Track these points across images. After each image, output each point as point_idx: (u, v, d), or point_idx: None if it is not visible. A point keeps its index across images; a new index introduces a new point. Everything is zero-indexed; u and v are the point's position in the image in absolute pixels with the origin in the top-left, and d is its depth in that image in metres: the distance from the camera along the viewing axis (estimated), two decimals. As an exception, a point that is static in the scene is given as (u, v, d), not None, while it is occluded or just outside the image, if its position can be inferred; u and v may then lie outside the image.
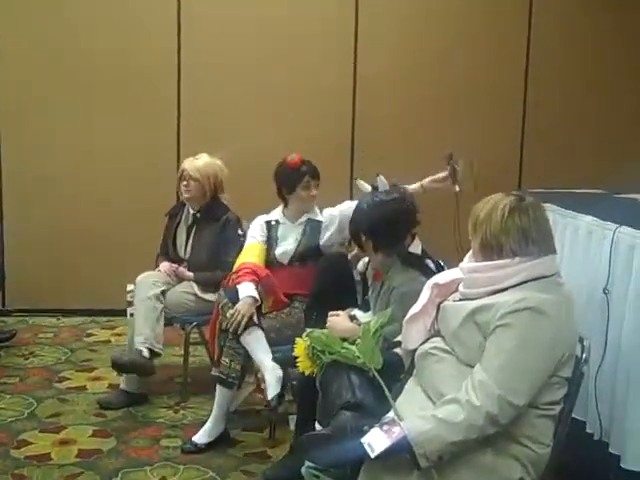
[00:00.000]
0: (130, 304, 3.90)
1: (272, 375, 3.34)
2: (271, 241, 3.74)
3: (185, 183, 4.07)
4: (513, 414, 2.13)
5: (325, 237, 3.70)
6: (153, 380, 4.00)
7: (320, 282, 3.49)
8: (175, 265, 4.08)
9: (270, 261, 3.71)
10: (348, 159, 5.51)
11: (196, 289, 4.02)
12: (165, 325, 3.92)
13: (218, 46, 5.31)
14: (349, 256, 3.55)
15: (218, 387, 3.46)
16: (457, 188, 3.52)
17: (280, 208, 3.82)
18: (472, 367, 2.22)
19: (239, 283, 3.51)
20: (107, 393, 4.04)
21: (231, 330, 3.41)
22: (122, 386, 3.95)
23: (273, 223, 3.78)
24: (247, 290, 3.47)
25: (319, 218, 3.75)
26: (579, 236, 2.98)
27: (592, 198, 3.52)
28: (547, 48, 5.50)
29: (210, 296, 3.96)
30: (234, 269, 3.64)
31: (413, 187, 3.55)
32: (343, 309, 3.01)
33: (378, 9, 5.36)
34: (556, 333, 2.18)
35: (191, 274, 4.05)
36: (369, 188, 3.43)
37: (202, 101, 5.35)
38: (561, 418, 2.27)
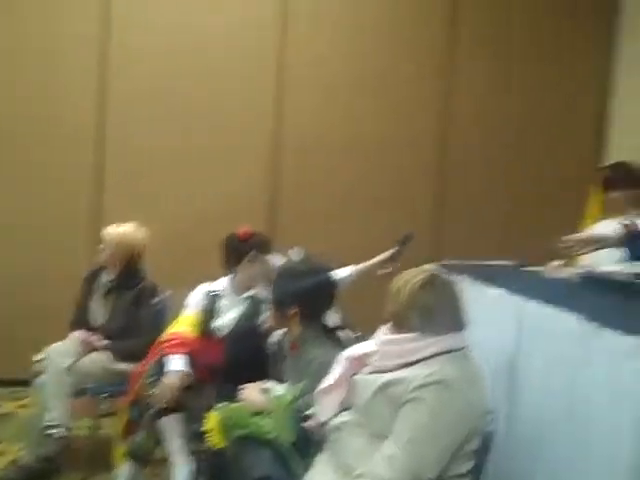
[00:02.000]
0: (38, 375, 3.77)
1: (181, 471, 3.31)
2: (211, 312, 3.65)
3: (104, 249, 4.03)
4: None
5: (264, 317, 3.57)
6: (60, 453, 3.85)
7: (231, 354, 3.46)
8: (88, 333, 3.99)
9: (207, 332, 3.62)
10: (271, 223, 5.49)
11: (109, 358, 3.92)
12: (76, 396, 3.80)
13: (144, 112, 5.23)
14: (260, 321, 3.54)
15: (128, 462, 3.36)
16: (390, 269, 3.58)
17: (226, 279, 3.75)
18: (383, 440, 2.23)
19: (167, 355, 3.44)
20: (8, 469, 3.85)
21: (157, 406, 3.35)
22: (25, 460, 3.78)
23: (216, 294, 3.70)
24: (176, 364, 3.41)
25: (263, 296, 3.64)
26: (488, 308, 3.06)
27: (502, 270, 3.64)
28: (461, 124, 5.63)
29: (124, 366, 3.87)
30: (164, 338, 3.57)
31: (345, 274, 3.58)
32: (255, 381, 2.99)
33: (301, 76, 5.40)
34: (464, 407, 2.23)
35: (105, 343, 3.96)
36: (281, 261, 3.42)
37: (127, 165, 5.23)
38: (468, 491, 2.29)
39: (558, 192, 5.52)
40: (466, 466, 2.28)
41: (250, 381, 2.98)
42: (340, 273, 3.50)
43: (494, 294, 3.07)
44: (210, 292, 3.70)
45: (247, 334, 3.53)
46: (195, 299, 3.70)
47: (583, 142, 5.72)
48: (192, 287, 3.79)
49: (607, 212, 3.89)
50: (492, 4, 5.58)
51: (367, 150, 5.48)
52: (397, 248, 3.56)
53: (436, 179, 5.61)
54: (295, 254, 3.39)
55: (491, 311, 3.03)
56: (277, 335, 3.33)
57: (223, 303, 3.66)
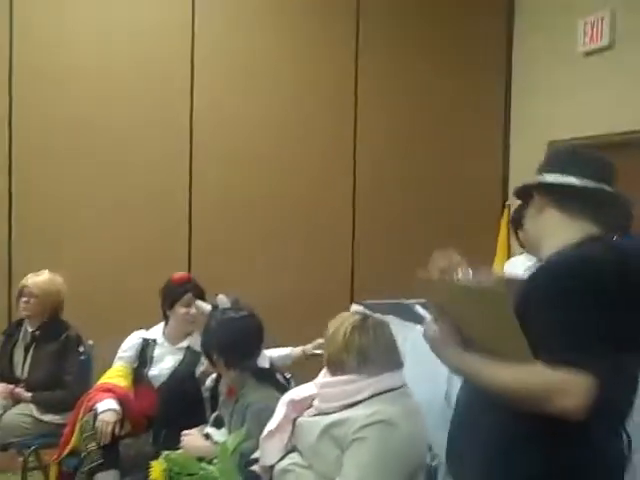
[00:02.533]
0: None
1: None
2: (145, 360, 3.62)
3: (25, 299, 3.95)
4: None
5: (202, 368, 3.54)
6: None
7: (166, 401, 3.47)
8: (11, 386, 3.90)
9: (140, 381, 3.59)
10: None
11: (34, 410, 3.84)
12: (1, 450, 3.71)
13: (53, 152, 5.06)
14: (197, 373, 3.55)
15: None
16: None
17: (160, 326, 3.72)
18: (331, 481, 2.31)
19: (96, 402, 3.42)
20: None
21: (102, 441, 3.32)
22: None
23: (150, 342, 3.67)
24: (107, 404, 3.39)
25: (198, 347, 3.42)
26: (418, 346, 3.17)
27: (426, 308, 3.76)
28: (368, 163, 5.66)
29: (49, 417, 3.83)
30: (94, 388, 3.54)
31: (282, 354, 3.61)
32: (191, 427, 3.01)
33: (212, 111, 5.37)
34: (408, 443, 2.34)
35: (29, 395, 3.88)
36: (209, 308, 3.38)
37: (34, 211, 5.04)
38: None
39: (469, 224, 5.52)
40: (414, 501, 2.37)
41: (186, 428, 3.00)
42: (278, 352, 3.56)
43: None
44: (144, 340, 3.69)
45: (183, 381, 3.53)
46: (128, 346, 3.68)
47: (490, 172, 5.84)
48: (113, 337, 3.74)
49: (520, 247, 4.08)
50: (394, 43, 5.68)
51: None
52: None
53: (348, 215, 5.65)
54: (221, 302, 3.41)
55: (421, 348, 3.15)
56: (211, 380, 3.37)
57: (157, 352, 3.64)
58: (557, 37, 5.27)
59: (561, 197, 1.88)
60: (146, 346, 3.66)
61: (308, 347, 3.62)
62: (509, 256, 4.76)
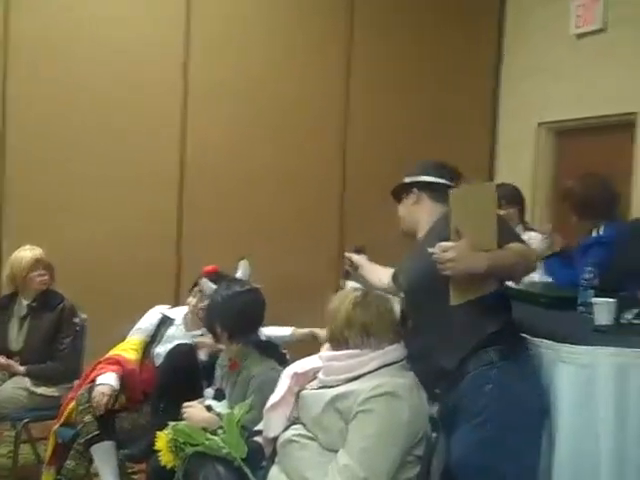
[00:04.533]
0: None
1: None
2: (156, 336, 3.64)
3: (43, 272, 3.97)
4: None
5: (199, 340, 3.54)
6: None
7: (165, 373, 3.49)
8: (5, 358, 3.90)
9: (147, 356, 3.61)
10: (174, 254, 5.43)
11: (28, 383, 3.85)
12: (-3, 422, 3.73)
13: (44, 133, 5.10)
14: (193, 343, 3.57)
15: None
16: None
17: (184, 310, 3.71)
18: (335, 452, 2.36)
19: (98, 375, 3.44)
20: None
21: (96, 411, 3.35)
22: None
23: (168, 320, 3.68)
24: (105, 378, 3.42)
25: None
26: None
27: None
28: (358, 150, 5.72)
29: (43, 390, 3.84)
30: (103, 358, 3.56)
31: (285, 334, 3.64)
32: (190, 400, 3.04)
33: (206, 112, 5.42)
34: (412, 414, 2.38)
35: (23, 368, 3.88)
36: (214, 287, 3.36)
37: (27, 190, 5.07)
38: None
39: None
40: (413, 471, 2.41)
41: (186, 399, 3.03)
42: (280, 332, 3.60)
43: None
44: (164, 316, 3.71)
45: (182, 355, 3.55)
46: (148, 319, 3.71)
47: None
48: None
49: None
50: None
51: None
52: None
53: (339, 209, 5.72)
54: (206, 284, 3.43)
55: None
56: (205, 355, 3.40)
57: (170, 332, 3.65)
58: (550, 19, 5.29)
59: (432, 191, 2.68)
60: (163, 323, 3.69)
61: (309, 331, 3.64)
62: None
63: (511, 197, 4.26)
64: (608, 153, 4.64)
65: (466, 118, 5.84)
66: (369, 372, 2.45)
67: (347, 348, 2.50)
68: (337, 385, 2.47)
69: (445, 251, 2.28)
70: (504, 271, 2.40)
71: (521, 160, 5.58)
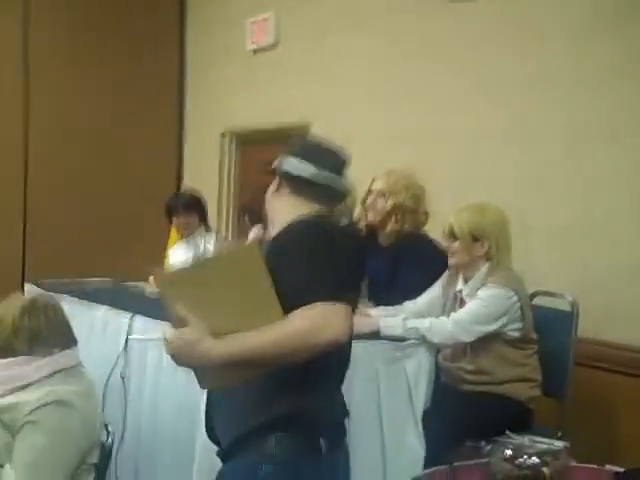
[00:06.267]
0: None
1: None
2: None
3: None
4: None
5: None
6: None
7: None
8: None
9: None
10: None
11: None
12: None
13: None
14: None
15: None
16: None
17: None
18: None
19: None
20: None
21: None
22: None
23: None
24: None
25: None
26: (96, 325, 3.15)
27: (105, 287, 3.75)
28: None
29: None
30: None
31: None
32: None
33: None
34: (84, 423, 2.30)
35: None
36: None
37: None
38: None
39: (147, 210, 5.48)
40: (90, 478, 2.34)
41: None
42: None
43: (99, 311, 3.18)
44: None
45: None
46: None
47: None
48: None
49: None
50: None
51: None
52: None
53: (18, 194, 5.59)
54: None
55: (98, 327, 3.13)
56: None
57: None
58: (229, 36, 5.54)
59: (292, 182, 2.02)
60: None
61: None
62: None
63: (189, 204, 4.34)
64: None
65: (154, 129, 5.96)
66: (36, 381, 2.32)
67: (14, 356, 2.36)
68: (3, 395, 2.31)
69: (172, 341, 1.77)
70: (256, 361, 1.71)
71: (207, 168, 5.79)
